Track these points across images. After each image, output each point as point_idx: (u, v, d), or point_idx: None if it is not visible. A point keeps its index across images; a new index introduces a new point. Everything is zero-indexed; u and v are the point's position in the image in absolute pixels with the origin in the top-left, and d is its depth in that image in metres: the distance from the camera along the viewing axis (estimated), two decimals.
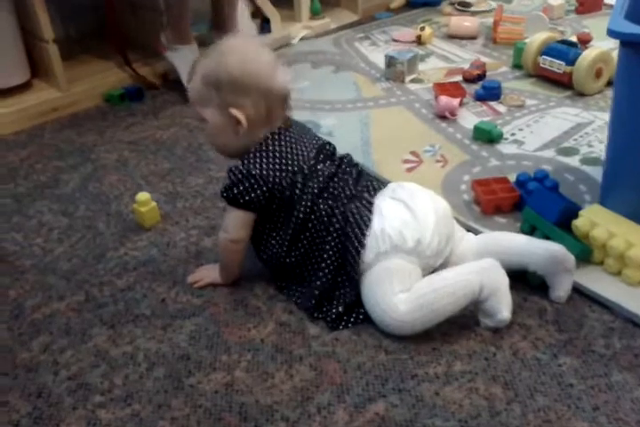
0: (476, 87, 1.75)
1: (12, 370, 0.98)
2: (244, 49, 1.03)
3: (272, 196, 1.03)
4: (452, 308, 0.98)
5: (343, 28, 2.27)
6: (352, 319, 1.04)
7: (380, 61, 1.93)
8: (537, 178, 1.28)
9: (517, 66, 1.88)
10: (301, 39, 2.19)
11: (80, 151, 1.58)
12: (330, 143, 1.11)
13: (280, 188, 1.02)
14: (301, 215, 1.02)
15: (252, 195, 1.02)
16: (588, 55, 1.66)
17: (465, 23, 2.15)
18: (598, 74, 1.70)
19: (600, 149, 1.44)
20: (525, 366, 0.95)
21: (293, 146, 1.05)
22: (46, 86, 1.77)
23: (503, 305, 0.99)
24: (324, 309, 1.05)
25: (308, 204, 1.02)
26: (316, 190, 1.03)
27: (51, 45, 1.69)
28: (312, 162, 1.05)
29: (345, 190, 1.05)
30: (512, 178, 1.32)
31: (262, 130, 1.04)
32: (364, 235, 1.01)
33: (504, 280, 1.00)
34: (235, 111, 1.01)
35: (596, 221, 1.10)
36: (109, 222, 1.31)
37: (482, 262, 1.01)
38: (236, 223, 1.06)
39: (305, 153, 1.05)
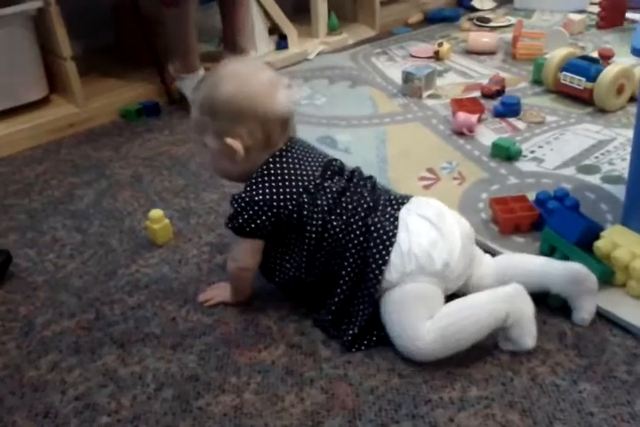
0: (495, 103, 1.73)
1: (20, 389, 0.97)
2: (240, 75, 1.00)
3: (279, 220, 1.00)
4: (477, 337, 0.96)
5: (360, 44, 2.28)
6: (365, 342, 1.01)
7: (398, 77, 1.91)
8: (557, 197, 1.25)
9: (537, 82, 1.86)
10: (318, 55, 2.19)
11: (95, 167, 1.59)
12: (336, 159, 1.08)
13: (286, 211, 1.00)
14: (314, 235, 1.00)
15: (258, 221, 0.99)
16: (609, 71, 1.63)
17: (484, 39, 2.14)
18: (620, 90, 1.66)
19: (622, 168, 1.40)
20: (544, 393, 0.92)
21: (297, 166, 1.02)
22: (64, 102, 1.79)
23: (527, 332, 0.96)
24: (343, 327, 1.02)
25: (319, 222, 1.00)
26: (325, 207, 1.00)
27: (68, 62, 1.71)
28: (318, 180, 1.02)
29: (362, 203, 1.02)
30: (531, 196, 1.29)
31: (262, 154, 1.01)
32: (387, 251, 0.97)
33: (529, 308, 0.97)
34: (230, 141, 0.98)
35: (618, 241, 1.07)
36: (122, 239, 1.30)
37: (508, 289, 0.97)
38: (244, 251, 1.04)
39: (310, 172, 1.02)
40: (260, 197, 0.99)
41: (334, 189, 1.02)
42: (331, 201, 1.01)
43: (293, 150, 1.03)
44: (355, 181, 1.05)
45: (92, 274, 1.21)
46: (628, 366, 0.96)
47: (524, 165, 1.47)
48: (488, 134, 1.60)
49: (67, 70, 1.71)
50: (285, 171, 1.01)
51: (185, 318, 1.09)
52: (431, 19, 2.47)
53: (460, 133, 1.61)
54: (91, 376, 0.98)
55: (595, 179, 1.40)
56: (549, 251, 1.15)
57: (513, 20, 2.36)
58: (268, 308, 1.10)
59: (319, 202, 1.00)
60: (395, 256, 0.97)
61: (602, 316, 1.04)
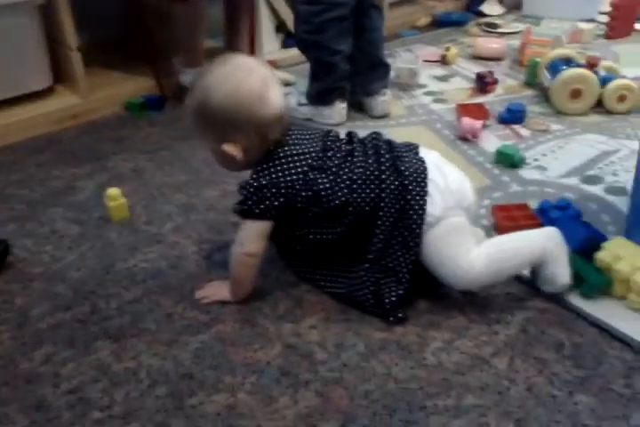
0: (500, 109, 1.73)
1: (13, 380, 0.96)
2: (230, 81, 0.99)
3: (289, 200, 1.02)
4: (517, 269, 1.06)
5: None
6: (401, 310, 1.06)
7: None
8: (559, 206, 1.25)
9: (529, 84, 1.89)
10: None
11: (97, 159, 1.58)
12: (331, 130, 1.10)
13: (293, 191, 1.01)
14: (337, 201, 1.01)
15: (267, 202, 1.01)
16: (564, 74, 1.67)
17: (491, 44, 2.13)
18: (575, 95, 1.68)
19: (626, 179, 1.40)
20: (539, 403, 0.92)
21: (297, 147, 1.03)
22: (68, 93, 1.78)
23: (563, 270, 1.04)
24: (382, 289, 1.04)
25: (342, 186, 1.01)
26: (334, 169, 1.03)
27: (74, 53, 1.70)
28: (321, 154, 1.04)
29: (382, 154, 1.04)
30: (533, 204, 1.28)
31: (262, 149, 1.03)
32: (425, 186, 1.01)
33: (564, 248, 1.05)
34: (227, 147, 1.01)
35: (619, 254, 1.07)
36: (121, 233, 1.30)
37: (545, 229, 1.07)
38: (251, 235, 1.04)
39: (310, 149, 1.04)
40: (267, 180, 1.01)
41: (338, 155, 1.04)
42: (338, 161, 1.03)
43: (292, 134, 1.05)
44: (355, 140, 1.09)
45: (90, 267, 1.20)
46: (626, 379, 0.95)
47: (527, 173, 1.47)
48: (492, 141, 1.60)
49: (72, 61, 1.71)
50: (288, 153, 1.03)
51: (181, 315, 1.08)
52: (439, 22, 2.47)
53: (464, 139, 1.61)
54: (84, 370, 0.97)
55: (598, 189, 1.40)
56: None
57: (521, 26, 2.36)
58: (264, 307, 1.09)
59: (329, 170, 1.02)
60: (434, 193, 1.01)
61: (601, 328, 1.03)
